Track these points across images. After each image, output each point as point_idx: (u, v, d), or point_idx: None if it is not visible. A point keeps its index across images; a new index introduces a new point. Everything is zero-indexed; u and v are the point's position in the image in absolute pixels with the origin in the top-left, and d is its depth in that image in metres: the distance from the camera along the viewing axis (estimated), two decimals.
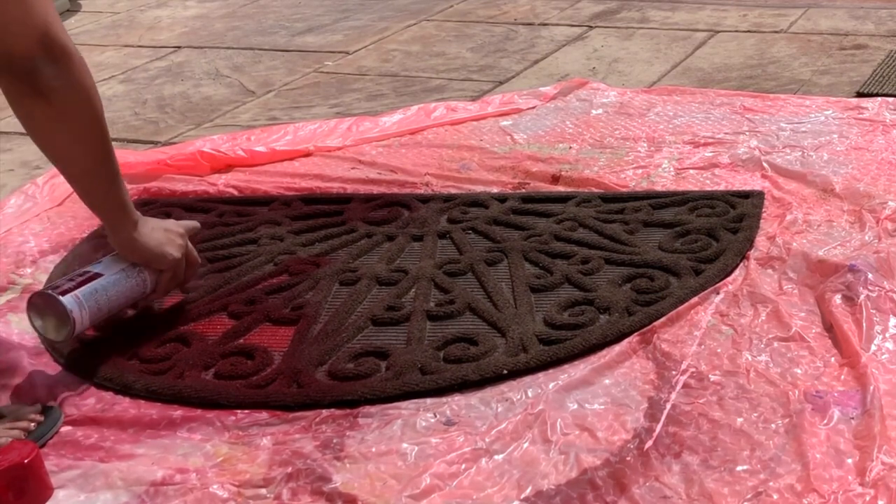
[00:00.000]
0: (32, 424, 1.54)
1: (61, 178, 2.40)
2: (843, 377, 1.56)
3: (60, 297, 1.67)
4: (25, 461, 1.40)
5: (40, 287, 1.89)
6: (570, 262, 1.92)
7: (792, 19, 3.38)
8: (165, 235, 1.78)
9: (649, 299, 1.77)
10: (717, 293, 1.79)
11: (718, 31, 3.31)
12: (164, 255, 1.76)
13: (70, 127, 1.57)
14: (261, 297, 1.88)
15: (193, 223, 1.90)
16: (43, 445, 1.52)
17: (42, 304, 1.70)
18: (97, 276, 1.72)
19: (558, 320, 1.74)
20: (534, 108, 2.71)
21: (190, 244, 1.84)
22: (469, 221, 2.11)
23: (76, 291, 1.69)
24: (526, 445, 1.46)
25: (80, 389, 1.67)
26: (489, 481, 1.40)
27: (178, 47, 3.61)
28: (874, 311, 1.68)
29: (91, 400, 1.64)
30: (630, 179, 2.27)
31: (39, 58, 1.48)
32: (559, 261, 1.93)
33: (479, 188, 2.29)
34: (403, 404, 1.57)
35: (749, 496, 1.34)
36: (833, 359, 1.61)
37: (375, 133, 2.60)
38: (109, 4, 4.28)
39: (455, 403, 1.56)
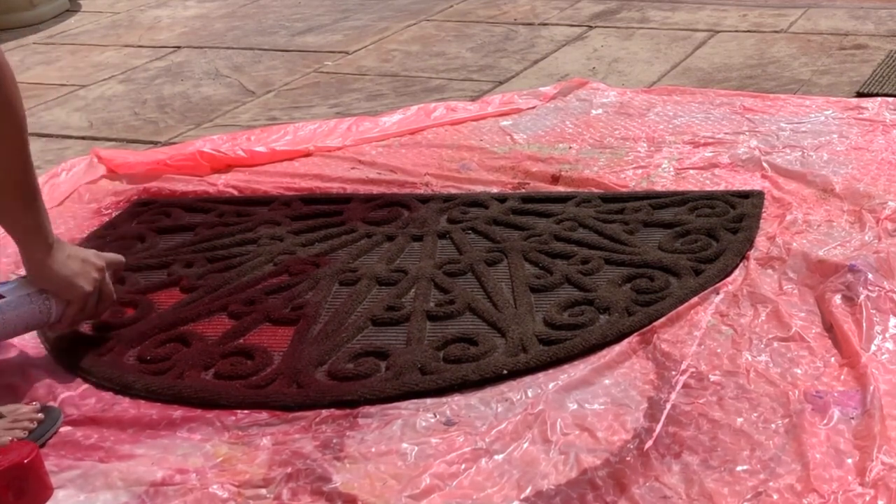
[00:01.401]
0: (32, 424, 1.54)
1: (61, 178, 2.41)
2: (843, 377, 1.56)
3: None
4: (25, 461, 1.40)
5: None
6: (569, 263, 1.92)
7: (792, 19, 3.38)
8: (81, 266, 1.69)
9: (649, 299, 1.77)
10: (717, 293, 1.79)
11: (718, 31, 3.31)
12: (73, 286, 1.68)
13: None
14: (261, 298, 1.88)
15: (117, 257, 1.81)
16: (43, 445, 1.52)
17: None
18: None
19: (558, 320, 1.74)
20: (534, 108, 2.70)
21: (108, 279, 1.75)
22: (469, 221, 2.11)
23: None
24: (526, 445, 1.46)
25: (79, 389, 1.67)
26: (489, 481, 1.40)
27: (178, 47, 3.61)
28: (874, 312, 1.68)
29: (91, 400, 1.64)
30: (630, 179, 2.27)
31: None
32: (559, 261, 1.93)
33: (478, 188, 2.29)
34: (403, 404, 1.57)
35: (749, 496, 1.34)
36: (833, 359, 1.61)
37: (375, 133, 2.60)
38: (109, 4, 4.28)
39: (455, 403, 1.56)
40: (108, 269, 1.76)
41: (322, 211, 2.21)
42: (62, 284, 1.67)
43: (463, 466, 1.43)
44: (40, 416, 1.55)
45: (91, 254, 1.73)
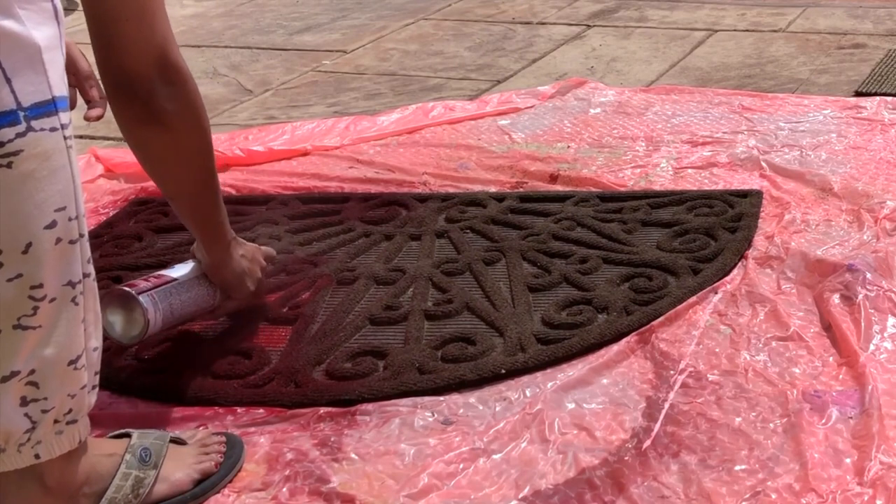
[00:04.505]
0: (222, 447, 1.47)
1: None
2: (841, 377, 1.56)
3: (138, 296, 1.61)
4: None
5: None
6: (568, 262, 1.92)
7: (790, 18, 3.38)
8: (250, 266, 1.73)
9: (647, 299, 1.77)
10: (716, 293, 1.79)
11: (717, 31, 3.31)
12: (241, 285, 1.72)
13: (181, 150, 1.52)
14: None
15: (271, 251, 1.84)
16: (240, 470, 1.46)
17: (116, 301, 1.63)
18: (172, 279, 1.67)
19: (556, 320, 1.73)
20: (532, 107, 2.70)
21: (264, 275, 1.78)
22: (467, 221, 2.11)
23: (152, 291, 1.64)
24: (524, 445, 1.46)
25: (96, 391, 1.66)
26: (487, 481, 1.40)
27: None
28: (872, 311, 1.67)
29: None
30: (628, 179, 2.27)
31: (156, 80, 1.42)
32: (557, 260, 1.93)
33: (476, 187, 2.29)
34: (401, 402, 1.56)
35: (747, 496, 1.34)
36: (831, 358, 1.61)
37: (373, 132, 2.60)
38: None
39: (453, 403, 1.56)
40: (266, 262, 1.79)
41: (320, 210, 2.21)
42: (233, 283, 1.71)
43: (461, 466, 1.43)
44: (221, 438, 1.49)
45: (257, 252, 1.76)
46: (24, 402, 1.20)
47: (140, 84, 1.42)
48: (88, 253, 1.23)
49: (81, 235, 1.21)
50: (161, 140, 1.48)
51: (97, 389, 1.30)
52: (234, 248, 1.70)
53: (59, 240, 1.17)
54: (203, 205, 1.62)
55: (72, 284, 1.20)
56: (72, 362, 1.22)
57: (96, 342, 1.26)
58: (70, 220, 1.18)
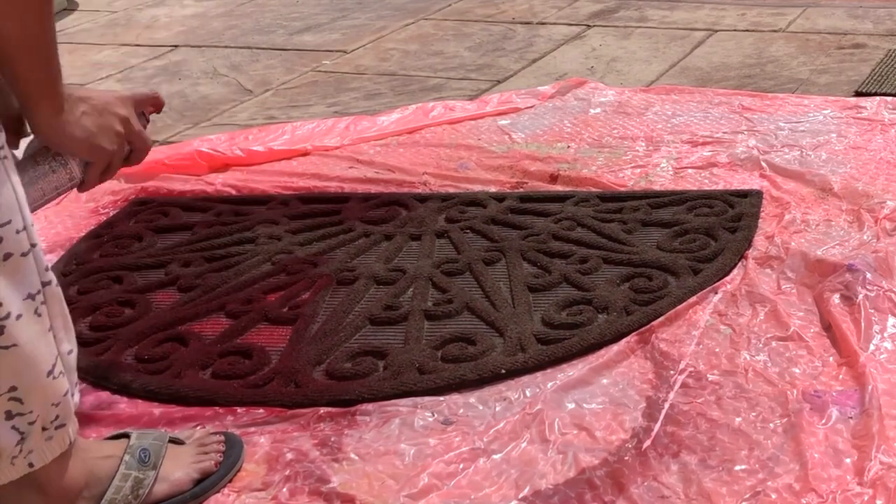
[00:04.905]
0: (221, 447, 1.47)
1: None
2: (841, 377, 1.56)
3: None
4: None
5: None
6: (568, 262, 1.92)
7: (790, 18, 3.38)
8: (100, 121, 1.44)
9: (647, 299, 1.77)
10: (716, 293, 1.79)
11: (717, 31, 3.31)
12: (92, 147, 1.43)
13: None
14: (258, 297, 1.88)
15: (148, 93, 1.56)
16: (240, 469, 1.46)
17: None
18: None
19: (556, 320, 1.73)
20: (532, 107, 2.70)
21: (138, 124, 1.50)
22: (467, 221, 2.11)
23: None
24: (524, 445, 1.46)
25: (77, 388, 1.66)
26: (487, 481, 1.40)
27: (176, 46, 3.61)
28: (872, 311, 1.67)
29: (89, 399, 1.64)
30: (628, 179, 2.27)
31: None
32: (557, 260, 1.93)
33: (477, 187, 2.29)
34: (401, 403, 1.56)
35: (747, 496, 1.34)
36: (831, 358, 1.60)
37: (373, 132, 2.60)
38: (107, 3, 4.27)
39: (453, 403, 1.56)
40: (137, 109, 1.52)
41: (320, 210, 2.21)
42: (78, 146, 1.42)
43: (461, 466, 1.43)
44: (220, 437, 1.49)
45: (113, 101, 1.47)
46: (10, 416, 1.20)
47: None
48: (44, 261, 1.22)
49: (33, 245, 1.19)
50: None
51: (78, 387, 1.30)
52: (72, 108, 1.40)
53: (8, 255, 1.16)
54: (24, 60, 1.34)
55: (31, 297, 1.19)
56: (49, 373, 1.22)
57: (69, 345, 1.26)
58: (17, 232, 1.17)
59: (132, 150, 1.50)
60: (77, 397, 1.29)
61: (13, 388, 1.19)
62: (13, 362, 1.18)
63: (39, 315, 1.20)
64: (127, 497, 1.34)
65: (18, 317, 1.17)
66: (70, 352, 1.26)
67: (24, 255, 1.18)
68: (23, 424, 1.21)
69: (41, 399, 1.22)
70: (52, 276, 1.23)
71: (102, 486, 1.33)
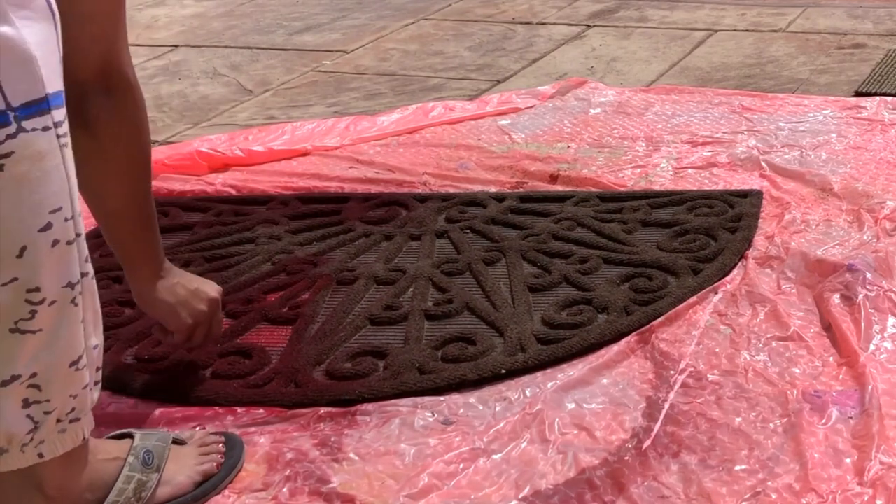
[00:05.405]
0: (221, 447, 1.47)
1: None
2: (841, 377, 1.56)
3: None
4: None
5: None
6: (568, 262, 1.92)
7: (790, 18, 3.38)
8: (187, 296, 1.58)
9: (647, 299, 1.77)
10: (716, 293, 1.79)
11: (717, 31, 3.31)
12: (174, 315, 1.57)
13: (110, 162, 1.44)
14: (258, 297, 1.88)
15: (217, 287, 1.67)
16: (240, 470, 1.46)
17: None
18: None
19: (556, 320, 1.73)
20: (532, 107, 2.70)
21: (220, 314, 1.64)
22: (467, 221, 2.11)
23: None
24: (524, 445, 1.46)
25: (98, 386, 1.66)
26: (487, 481, 1.40)
27: (176, 46, 3.61)
28: (872, 311, 1.67)
29: None
30: (628, 179, 2.27)
31: (92, 87, 1.37)
32: (557, 260, 1.93)
33: (477, 187, 2.29)
34: (401, 402, 1.56)
35: (747, 496, 1.34)
36: (831, 358, 1.61)
37: (373, 132, 2.60)
38: None
39: (453, 403, 1.56)
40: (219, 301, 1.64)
41: (320, 210, 2.21)
42: (164, 312, 1.57)
43: (461, 466, 1.43)
44: (220, 438, 1.48)
45: (207, 285, 1.62)
46: (27, 403, 1.19)
47: (74, 89, 1.32)
48: (86, 252, 1.22)
49: (78, 235, 1.19)
50: (88, 147, 1.38)
51: (100, 385, 1.29)
52: (167, 278, 1.57)
53: (55, 242, 1.15)
54: (131, 226, 1.52)
55: (71, 286, 1.19)
56: (73, 363, 1.21)
57: (96, 340, 1.26)
58: (66, 220, 1.16)
59: (209, 331, 1.62)
60: (97, 395, 1.28)
61: (33, 375, 1.18)
62: (38, 348, 1.17)
63: (76, 305, 1.20)
64: (129, 500, 1.34)
65: (52, 303, 1.16)
66: (96, 346, 1.26)
67: (69, 243, 1.17)
68: (38, 413, 1.20)
69: (60, 387, 1.21)
70: (90, 267, 1.22)
71: (105, 489, 1.33)
